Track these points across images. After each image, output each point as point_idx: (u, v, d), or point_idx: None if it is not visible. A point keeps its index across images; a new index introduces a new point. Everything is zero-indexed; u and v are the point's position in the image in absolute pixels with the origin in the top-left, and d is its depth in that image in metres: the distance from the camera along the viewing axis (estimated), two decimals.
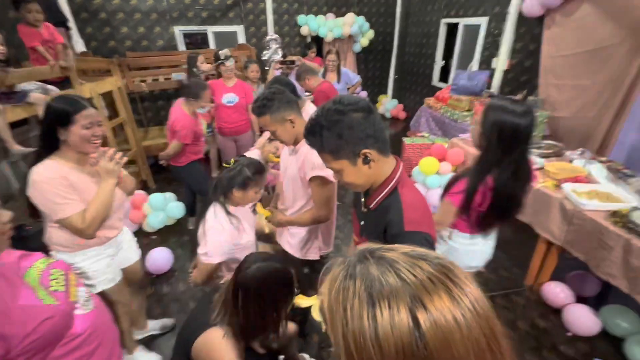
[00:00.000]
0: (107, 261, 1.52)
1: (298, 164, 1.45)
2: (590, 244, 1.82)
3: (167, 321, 2.10)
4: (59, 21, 2.96)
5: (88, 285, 1.42)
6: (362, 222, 1.02)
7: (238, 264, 1.49)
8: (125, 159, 1.40)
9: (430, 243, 0.85)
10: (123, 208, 1.60)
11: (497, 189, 1.25)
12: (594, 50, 2.85)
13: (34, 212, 1.34)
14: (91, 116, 1.28)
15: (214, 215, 1.40)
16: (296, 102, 1.45)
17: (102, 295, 1.48)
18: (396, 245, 0.46)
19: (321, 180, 1.40)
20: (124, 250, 1.65)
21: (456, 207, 1.33)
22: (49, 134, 1.26)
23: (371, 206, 0.94)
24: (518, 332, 2.04)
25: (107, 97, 3.92)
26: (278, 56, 4.32)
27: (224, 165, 1.45)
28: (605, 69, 2.78)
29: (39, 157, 1.29)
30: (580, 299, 2.12)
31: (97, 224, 1.33)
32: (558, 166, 2.26)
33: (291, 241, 1.67)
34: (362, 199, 1.00)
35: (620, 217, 1.71)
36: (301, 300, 1.20)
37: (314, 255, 1.70)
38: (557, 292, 2.10)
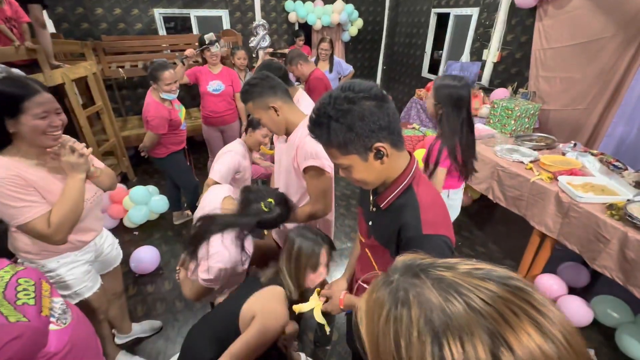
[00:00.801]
0: (86, 268, 1.35)
1: (291, 155, 1.35)
2: (586, 237, 1.82)
3: (153, 323, 1.98)
4: None
5: (65, 296, 1.28)
6: (371, 223, 0.93)
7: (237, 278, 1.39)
8: (90, 150, 1.21)
9: (449, 247, 0.78)
10: (100, 207, 1.44)
11: (462, 142, 1.63)
12: (585, 43, 2.85)
13: None
14: (46, 103, 1.08)
15: (222, 242, 1.25)
16: (283, 87, 1.33)
17: (80, 303, 1.34)
18: (451, 260, 0.38)
19: (316, 171, 1.30)
20: (104, 255, 1.49)
21: (446, 169, 1.64)
22: None
23: (382, 205, 0.85)
24: None
25: (81, 83, 3.67)
26: (266, 43, 4.13)
27: (263, 208, 1.24)
28: (595, 62, 2.79)
29: None
30: (570, 290, 2.15)
31: (66, 227, 1.15)
32: (552, 159, 2.25)
33: None
34: (371, 197, 0.91)
35: (616, 210, 1.71)
36: (300, 308, 1.14)
37: None
38: (550, 284, 2.12)
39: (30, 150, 1.12)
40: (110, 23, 4.36)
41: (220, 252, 1.23)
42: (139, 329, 1.92)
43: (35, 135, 1.08)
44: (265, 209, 1.24)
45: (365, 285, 1.04)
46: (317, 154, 1.27)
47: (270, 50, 3.27)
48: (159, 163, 2.58)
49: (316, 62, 3.44)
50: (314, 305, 1.16)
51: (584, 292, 2.18)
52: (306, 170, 1.31)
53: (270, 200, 1.25)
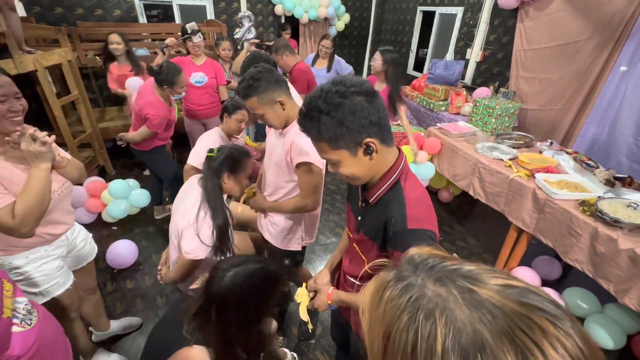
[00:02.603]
0: (58, 263, 1.29)
1: (285, 148, 1.35)
2: (559, 232, 1.91)
3: (132, 320, 1.93)
4: None
5: (34, 294, 1.21)
6: (360, 218, 0.94)
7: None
8: (53, 137, 1.14)
9: (434, 240, 0.79)
10: (70, 199, 1.38)
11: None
12: (563, 45, 2.96)
13: None
14: (3, 86, 1.02)
15: (201, 208, 1.28)
16: (285, 81, 1.32)
17: (51, 301, 1.29)
18: (474, 269, 0.35)
19: (308, 167, 1.31)
20: (77, 250, 1.44)
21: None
22: None
23: (370, 200, 0.86)
24: None
25: (55, 71, 3.49)
26: (251, 35, 4.06)
27: (208, 154, 1.32)
28: (572, 64, 2.90)
29: None
30: (543, 282, 2.25)
31: (32, 219, 1.09)
32: (530, 157, 2.33)
33: (272, 230, 1.59)
34: (360, 193, 0.92)
35: (588, 206, 1.80)
36: (300, 297, 1.12)
37: (295, 246, 1.63)
38: (525, 276, 2.21)
39: None
40: (86, 8, 4.16)
41: (201, 219, 1.26)
42: (117, 325, 1.86)
43: None
44: (213, 154, 1.34)
45: (353, 280, 1.04)
46: (311, 150, 1.27)
47: (256, 41, 3.17)
48: (142, 156, 2.50)
49: (315, 59, 3.33)
50: (301, 300, 1.15)
51: (557, 284, 2.29)
52: (299, 165, 1.32)
53: (213, 148, 1.35)
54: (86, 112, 3.26)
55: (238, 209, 1.59)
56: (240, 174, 1.37)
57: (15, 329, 0.76)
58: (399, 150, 0.86)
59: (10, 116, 1.04)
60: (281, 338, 1.91)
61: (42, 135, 1.09)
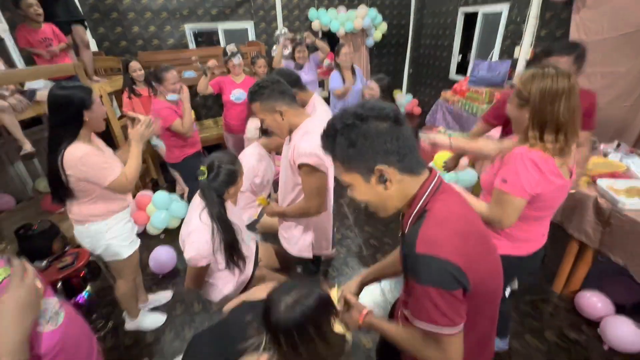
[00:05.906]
0: (132, 224, 1.75)
1: (289, 152, 1.40)
2: (631, 248, 1.62)
3: (163, 293, 2.29)
4: (78, 19, 3.02)
5: (120, 249, 1.66)
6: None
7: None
8: (154, 125, 1.60)
9: (453, 275, 0.64)
10: None
11: None
12: (630, 34, 2.59)
13: (63, 195, 1.44)
14: None
15: (199, 218, 1.34)
16: (290, 93, 1.38)
17: (128, 260, 1.72)
18: None
19: (309, 168, 1.33)
20: None
21: None
22: (74, 119, 1.37)
23: (405, 231, 0.78)
24: (546, 342, 1.85)
25: (120, 95, 3.95)
26: (288, 51, 4.21)
27: (199, 178, 1.36)
28: None
29: (58, 145, 1.36)
30: (618, 308, 1.91)
31: (134, 180, 1.54)
32: (592, 161, 2.04)
33: (285, 235, 1.64)
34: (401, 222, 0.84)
35: None
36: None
37: (306, 254, 1.62)
38: (593, 302, 1.90)
39: (87, 135, 1.46)
40: (145, 40, 4.68)
41: (199, 227, 1.31)
42: (154, 298, 2.23)
43: (101, 116, 1.46)
44: (203, 177, 1.33)
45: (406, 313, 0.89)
46: (312, 152, 1.29)
47: (291, 35, 3.29)
48: (176, 168, 2.64)
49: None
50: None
51: (635, 311, 1.92)
52: (300, 167, 1.35)
53: (202, 169, 1.34)
54: None
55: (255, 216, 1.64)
56: (239, 180, 1.40)
57: (41, 328, 0.78)
58: (431, 172, 0.76)
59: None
60: None
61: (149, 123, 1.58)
